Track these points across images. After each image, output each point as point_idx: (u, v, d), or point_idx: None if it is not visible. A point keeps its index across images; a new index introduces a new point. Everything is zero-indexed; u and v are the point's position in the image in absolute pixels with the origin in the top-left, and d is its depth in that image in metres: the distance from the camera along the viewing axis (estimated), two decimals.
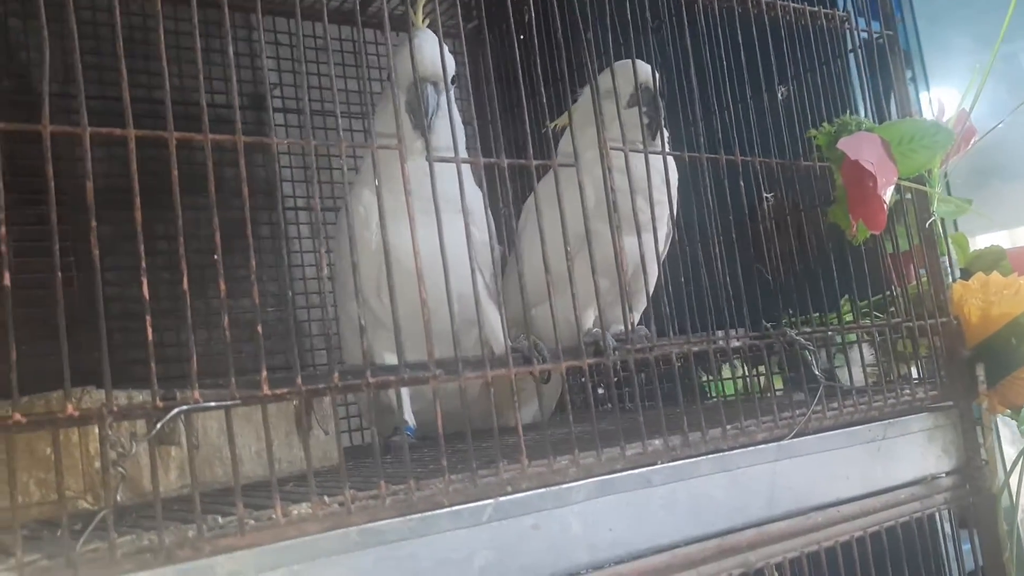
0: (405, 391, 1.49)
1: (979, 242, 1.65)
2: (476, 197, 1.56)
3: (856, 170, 1.20)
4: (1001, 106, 1.73)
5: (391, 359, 1.45)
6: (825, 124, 1.32)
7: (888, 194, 1.21)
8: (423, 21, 1.52)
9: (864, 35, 1.43)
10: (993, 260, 1.52)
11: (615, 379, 1.49)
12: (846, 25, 1.40)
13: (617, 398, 1.52)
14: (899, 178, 1.25)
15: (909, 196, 1.40)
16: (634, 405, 1.05)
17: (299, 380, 0.81)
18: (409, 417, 1.59)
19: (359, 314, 0.88)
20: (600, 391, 1.92)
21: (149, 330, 0.74)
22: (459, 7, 2.03)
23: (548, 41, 1.12)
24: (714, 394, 1.73)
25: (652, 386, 1.24)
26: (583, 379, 1.92)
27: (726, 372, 1.72)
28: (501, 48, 1.97)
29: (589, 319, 1.47)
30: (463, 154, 1.33)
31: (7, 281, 0.68)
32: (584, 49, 1.16)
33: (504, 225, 1.58)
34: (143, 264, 0.74)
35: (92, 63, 1.96)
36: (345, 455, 1.27)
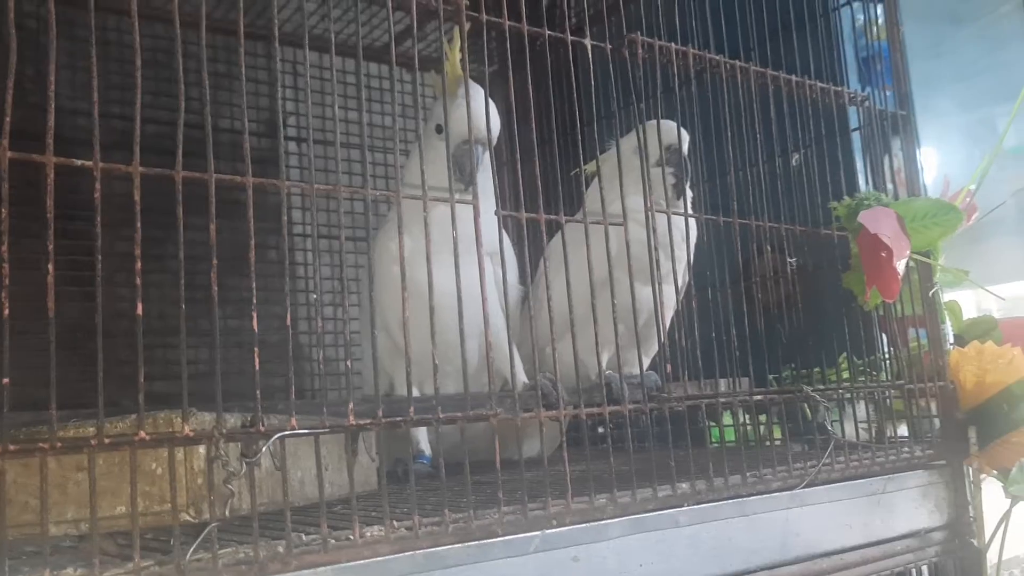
0: None
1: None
2: (505, 242, 1.65)
3: (873, 241, 1.30)
4: (974, 166, 1.82)
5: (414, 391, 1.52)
6: (846, 197, 1.43)
7: (901, 266, 1.31)
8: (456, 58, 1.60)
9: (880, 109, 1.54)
10: (985, 329, 1.62)
11: (620, 420, 1.58)
12: (866, 103, 1.51)
13: (622, 438, 1.59)
14: (910, 251, 1.35)
15: (913, 265, 1.50)
16: (652, 446, 1.13)
17: (380, 412, 0.88)
18: (425, 446, 1.66)
19: (432, 353, 0.95)
20: (600, 430, 2.01)
21: (256, 360, 0.81)
22: (485, 52, 2.12)
23: (567, 91, 1.20)
24: (715, 440, 1.81)
25: (659, 429, 1.32)
26: (589, 422, 2.01)
27: (726, 419, 1.81)
28: (522, 93, 2.06)
29: (603, 361, 1.56)
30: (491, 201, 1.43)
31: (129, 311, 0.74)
32: (595, 105, 1.24)
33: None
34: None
35: (118, 83, 2.03)
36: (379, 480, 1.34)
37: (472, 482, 0.97)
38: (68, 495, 0.89)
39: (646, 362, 1.76)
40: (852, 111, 1.65)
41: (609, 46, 1.21)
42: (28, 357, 0.70)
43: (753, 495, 1.21)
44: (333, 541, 0.84)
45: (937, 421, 1.51)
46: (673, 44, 1.27)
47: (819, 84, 1.44)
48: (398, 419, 0.90)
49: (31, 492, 0.89)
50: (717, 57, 1.33)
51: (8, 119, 0.72)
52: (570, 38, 1.17)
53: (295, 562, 0.81)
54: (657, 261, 1.21)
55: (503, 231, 1.71)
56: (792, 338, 1.49)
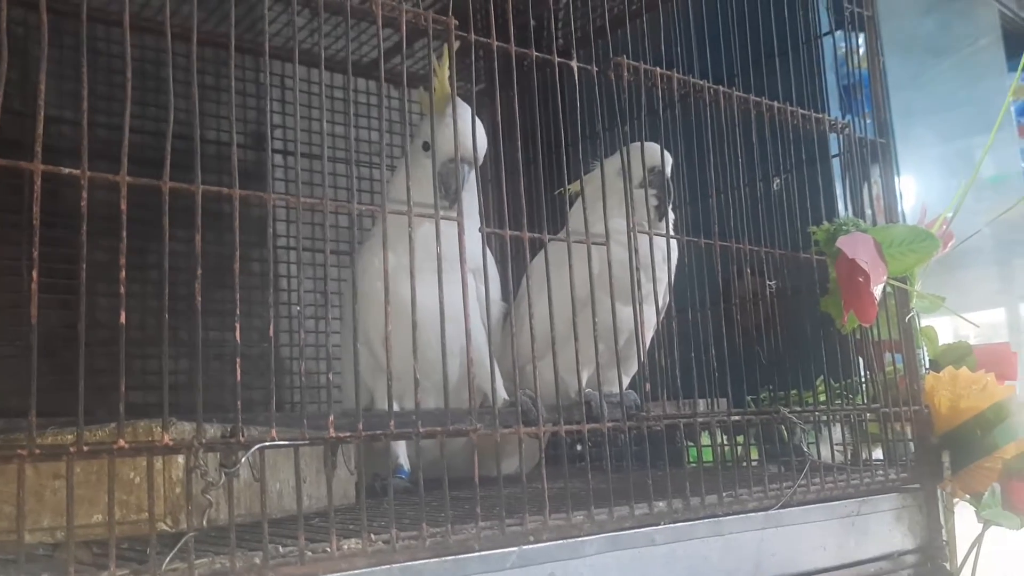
0: None
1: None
2: (489, 258, 1.66)
3: (851, 266, 1.32)
4: (952, 196, 1.85)
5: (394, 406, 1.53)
6: (825, 222, 1.45)
7: (878, 291, 1.33)
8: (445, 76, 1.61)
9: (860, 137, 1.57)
10: (960, 355, 1.64)
11: (599, 438, 1.59)
12: (846, 131, 1.53)
13: (600, 456, 1.60)
14: (887, 277, 1.38)
15: (890, 290, 1.52)
16: (630, 465, 1.14)
17: (360, 426, 0.89)
18: (404, 461, 1.66)
19: (414, 367, 0.96)
20: (579, 448, 2.02)
21: (238, 371, 0.81)
22: (473, 70, 2.13)
23: (552, 111, 1.21)
24: (692, 460, 1.82)
25: (638, 447, 1.33)
26: (568, 439, 2.02)
27: (704, 439, 1.83)
28: (508, 112, 2.07)
29: (583, 379, 1.57)
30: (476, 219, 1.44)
31: (122, 319, 0.74)
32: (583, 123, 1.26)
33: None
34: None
35: (104, 93, 2.04)
36: (357, 494, 1.34)
37: (450, 497, 0.97)
38: (44, 503, 0.89)
39: (626, 381, 1.78)
40: (833, 138, 1.68)
41: (595, 68, 1.22)
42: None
43: (729, 515, 1.21)
44: (310, 553, 0.84)
45: (912, 445, 1.53)
46: (658, 68, 1.29)
47: (800, 111, 1.46)
48: (378, 432, 0.90)
49: (5, 499, 0.88)
50: (701, 82, 1.35)
51: None
52: (557, 59, 1.18)
53: (271, 574, 0.81)
54: (638, 281, 1.22)
55: (487, 248, 1.73)
56: (770, 360, 1.51)
